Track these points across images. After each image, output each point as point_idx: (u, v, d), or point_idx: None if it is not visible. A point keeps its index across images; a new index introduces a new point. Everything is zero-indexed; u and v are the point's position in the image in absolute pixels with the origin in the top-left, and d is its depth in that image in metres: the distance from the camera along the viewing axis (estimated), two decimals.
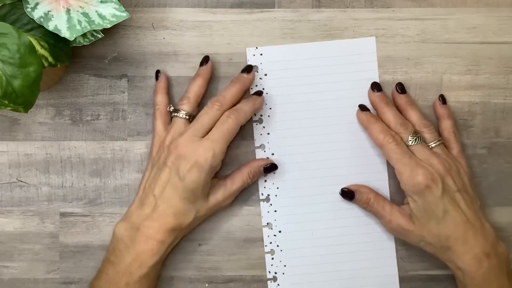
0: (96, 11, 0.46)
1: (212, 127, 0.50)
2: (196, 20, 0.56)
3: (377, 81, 0.55)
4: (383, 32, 0.56)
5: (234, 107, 0.51)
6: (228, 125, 0.50)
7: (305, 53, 0.55)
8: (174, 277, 0.55)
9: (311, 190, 0.55)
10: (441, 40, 0.56)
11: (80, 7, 0.46)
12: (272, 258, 0.55)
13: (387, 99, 0.54)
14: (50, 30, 0.45)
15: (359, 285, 0.55)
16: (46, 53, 0.46)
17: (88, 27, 0.46)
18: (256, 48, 0.55)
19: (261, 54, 0.55)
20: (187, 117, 0.52)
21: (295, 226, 0.55)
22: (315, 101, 0.55)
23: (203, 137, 0.50)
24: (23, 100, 0.43)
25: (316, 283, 0.55)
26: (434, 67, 0.56)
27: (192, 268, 0.55)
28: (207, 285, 0.55)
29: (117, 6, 0.47)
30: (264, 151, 0.55)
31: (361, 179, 0.55)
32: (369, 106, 0.54)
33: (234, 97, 0.52)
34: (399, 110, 0.54)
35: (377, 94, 0.54)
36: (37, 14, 0.45)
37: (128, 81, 0.55)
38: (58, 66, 0.47)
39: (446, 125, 0.54)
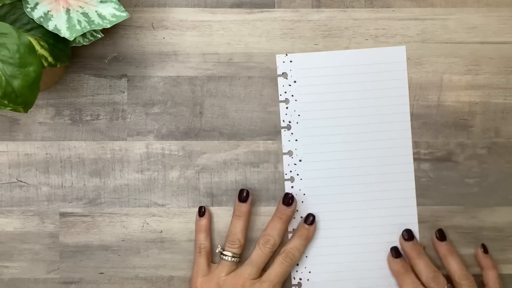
0: (96, 11, 0.46)
1: (265, 265, 0.52)
2: (196, 20, 0.56)
3: (407, 92, 0.55)
4: (383, 32, 0.56)
5: (289, 248, 0.53)
6: (284, 267, 0.52)
7: (335, 60, 0.55)
8: (174, 277, 0.55)
9: (338, 197, 0.55)
10: (441, 40, 0.56)
11: (80, 7, 0.46)
12: (297, 264, 0.55)
13: (419, 248, 0.53)
14: (50, 30, 0.45)
15: None
16: (46, 53, 0.46)
17: (88, 27, 0.46)
18: (286, 55, 0.55)
19: (290, 61, 0.55)
20: (237, 259, 0.53)
21: (321, 233, 0.55)
22: (344, 108, 0.55)
23: (259, 277, 0.52)
24: (22, 100, 0.43)
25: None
26: (434, 67, 0.56)
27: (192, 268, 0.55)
28: None
29: (117, 6, 0.47)
30: (292, 157, 0.55)
31: (388, 188, 0.55)
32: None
33: (281, 234, 0.53)
34: (439, 257, 0.54)
35: (409, 243, 0.53)
36: (36, 14, 0.45)
37: (128, 81, 0.55)
38: (58, 66, 0.47)
39: (492, 276, 0.53)
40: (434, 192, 0.55)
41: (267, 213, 0.55)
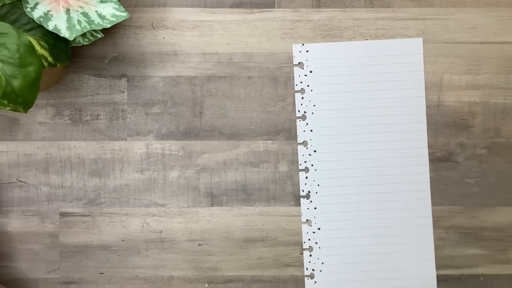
0: (96, 11, 0.46)
1: None
2: (196, 20, 0.56)
3: (423, 84, 0.54)
4: (383, 32, 0.56)
5: None
6: None
7: (351, 51, 0.55)
8: (174, 277, 0.55)
9: (352, 188, 0.55)
10: (441, 40, 0.56)
11: (80, 7, 0.46)
12: (310, 255, 0.55)
13: None
14: (49, 30, 0.45)
15: (397, 286, 0.55)
16: (46, 53, 0.46)
17: (88, 27, 0.46)
18: (303, 44, 0.55)
19: (307, 51, 0.55)
20: None
21: (335, 224, 0.55)
22: (359, 99, 0.55)
23: None
24: (22, 100, 0.43)
25: (353, 282, 0.55)
26: (434, 67, 0.56)
27: (192, 268, 0.55)
28: (207, 285, 0.55)
29: (117, 6, 0.47)
30: (307, 148, 0.55)
31: (403, 180, 0.55)
32: (412, 112, 0.54)
33: None
34: None
35: None
36: (36, 14, 0.45)
37: (128, 81, 0.55)
38: (58, 66, 0.47)
39: None
40: (434, 192, 0.55)
41: (267, 213, 0.55)
